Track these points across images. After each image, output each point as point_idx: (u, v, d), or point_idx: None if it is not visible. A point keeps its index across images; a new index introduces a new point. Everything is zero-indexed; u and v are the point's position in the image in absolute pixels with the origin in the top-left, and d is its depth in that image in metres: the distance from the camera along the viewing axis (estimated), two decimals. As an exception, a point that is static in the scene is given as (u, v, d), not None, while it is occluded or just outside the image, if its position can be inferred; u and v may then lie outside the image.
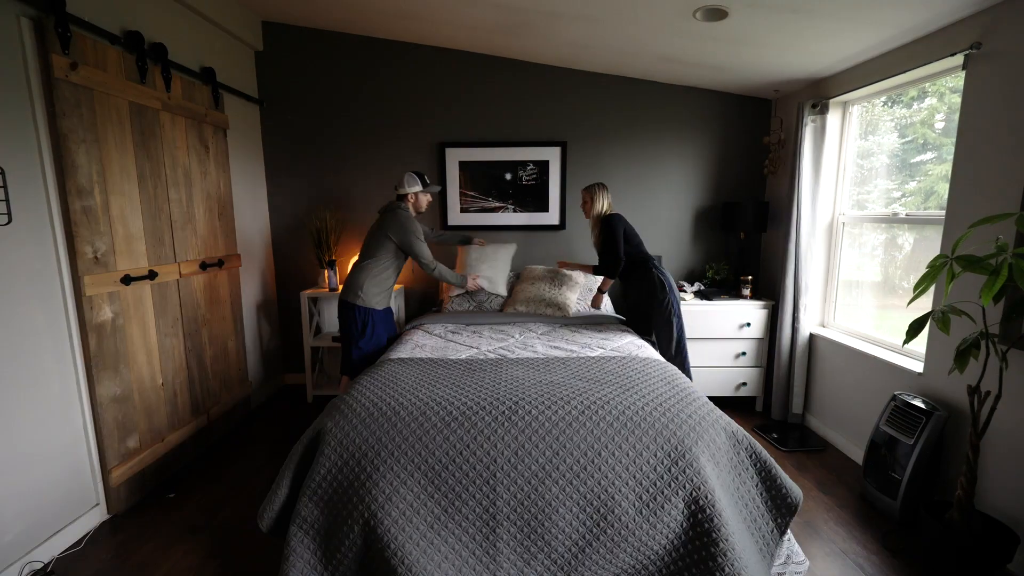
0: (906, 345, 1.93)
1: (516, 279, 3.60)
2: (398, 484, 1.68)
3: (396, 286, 3.75)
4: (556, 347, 2.61)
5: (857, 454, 2.77)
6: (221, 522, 2.26)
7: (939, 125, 2.54)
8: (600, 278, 3.49)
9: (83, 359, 2.15)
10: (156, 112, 2.52)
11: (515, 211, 3.74)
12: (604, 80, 3.59)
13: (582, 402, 1.86)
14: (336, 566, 1.65)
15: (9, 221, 1.85)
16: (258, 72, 3.61)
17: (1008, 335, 1.88)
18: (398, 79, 3.61)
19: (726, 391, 3.48)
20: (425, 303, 3.90)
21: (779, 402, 3.31)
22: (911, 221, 2.63)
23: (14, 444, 1.89)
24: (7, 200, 1.84)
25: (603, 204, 2.99)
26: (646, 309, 2.97)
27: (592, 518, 1.66)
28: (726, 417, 1.89)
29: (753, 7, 2.30)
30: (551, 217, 3.75)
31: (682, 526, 1.66)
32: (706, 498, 1.66)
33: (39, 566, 1.94)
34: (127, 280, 2.32)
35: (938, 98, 2.55)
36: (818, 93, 3.12)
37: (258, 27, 3.50)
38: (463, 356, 2.45)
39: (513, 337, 2.82)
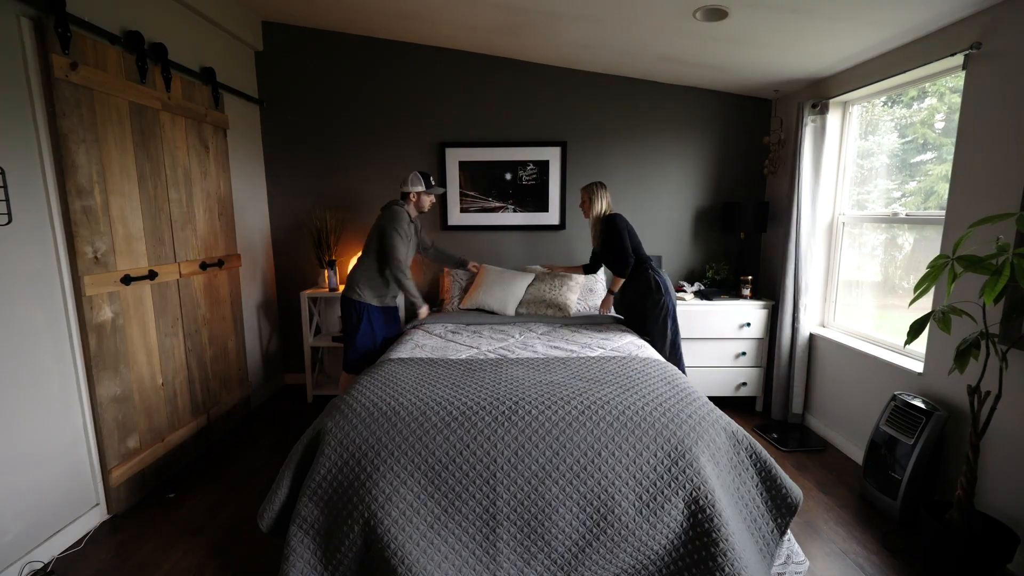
0: (907, 346, 1.93)
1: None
2: (398, 484, 1.68)
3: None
4: (556, 347, 2.61)
5: (857, 454, 2.77)
6: (221, 522, 2.26)
7: (939, 125, 2.54)
8: (587, 277, 3.50)
9: (83, 359, 2.15)
10: (156, 112, 2.52)
11: (515, 211, 3.74)
12: (604, 80, 3.59)
13: (582, 402, 1.86)
14: (336, 566, 1.65)
15: (9, 221, 1.85)
16: (258, 72, 3.61)
17: (1008, 335, 1.88)
18: (398, 79, 3.61)
19: (726, 391, 3.48)
20: (425, 303, 3.89)
21: (779, 402, 3.31)
22: (911, 221, 2.63)
23: (14, 444, 1.89)
24: (7, 200, 1.84)
25: (603, 204, 2.98)
26: (641, 310, 2.97)
27: (592, 518, 1.66)
28: (726, 417, 1.89)
29: (753, 7, 2.30)
30: (551, 217, 3.75)
31: (682, 526, 1.66)
32: (706, 498, 1.66)
33: (39, 566, 1.94)
34: (127, 280, 2.32)
35: (938, 98, 2.55)
36: (818, 93, 3.12)
37: (258, 27, 3.50)
38: (463, 356, 2.45)
39: (513, 337, 2.82)
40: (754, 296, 3.51)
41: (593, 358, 2.36)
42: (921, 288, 1.71)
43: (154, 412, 2.52)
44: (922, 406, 2.23)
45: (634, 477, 1.69)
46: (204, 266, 2.88)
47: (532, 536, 1.66)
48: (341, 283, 3.64)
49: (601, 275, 3.64)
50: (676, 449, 1.73)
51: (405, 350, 2.56)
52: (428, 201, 2.94)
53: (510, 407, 1.83)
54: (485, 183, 3.71)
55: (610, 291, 3.11)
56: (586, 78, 3.59)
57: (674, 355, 2.96)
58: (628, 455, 1.72)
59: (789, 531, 1.86)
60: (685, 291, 3.52)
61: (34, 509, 1.96)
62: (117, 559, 2.03)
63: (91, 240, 2.15)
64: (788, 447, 2.95)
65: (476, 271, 3.41)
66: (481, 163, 3.68)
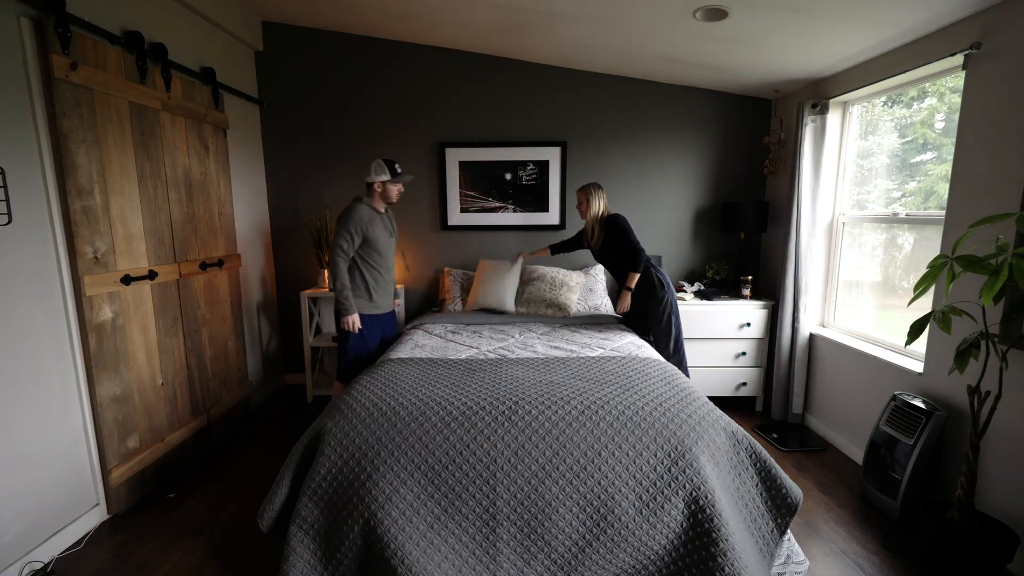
0: (907, 346, 1.93)
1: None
2: (398, 484, 1.68)
3: (398, 285, 3.75)
4: (556, 347, 2.61)
5: (857, 454, 2.77)
6: (221, 522, 2.26)
7: (939, 125, 2.54)
8: (588, 277, 3.49)
9: (83, 359, 2.15)
10: (156, 112, 2.52)
11: (515, 211, 3.74)
12: (604, 80, 3.59)
13: (582, 402, 1.86)
14: (336, 566, 1.65)
15: (9, 221, 1.85)
16: (258, 72, 3.61)
17: (1008, 335, 1.88)
18: (398, 79, 3.61)
19: (726, 391, 3.48)
20: (425, 303, 3.90)
21: (779, 402, 3.31)
22: (911, 221, 2.63)
23: (14, 444, 1.89)
24: (7, 200, 1.84)
25: (600, 205, 2.96)
26: (643, 308, 2.96)
27: (592, 518, 1.66)
28: (726, 417, 1.89)
29: (753, 7, 2.30)
30: (551, 217, 3.75)
31: (682, 526, 1.66)
32: (706, 498, 1.66)
33: (39, 566, 1.94)
34: (127, 280, 2.32)
35: (938, 98, 2.55)
36: (818, 93, 3.12)
37: (258, 27, 3.50)
38: (463, 356, 2.45)
39: (513, 337, 2.82)
40: (754, 296, 3.51)
41: (593, 358, 2.36)
42: (920, 288, 1.71)
43: (154, 412, 2.52)
44: (922, 406, 2.23)
45: (634, 477, 1.69)
46: (204, 266, 2.88)
47: (532, 536, 1.66)
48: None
49: (601, 275, 3.64)
50: (676, 449, 1.73)
51: (405, 350, 2.56)
52: (395, 190, 2.68)
53: (510, 407, 1.83)
54: (485, 183, 3.71)
55: (627, 288, 2.96)
56: (586, 78, 3.59)
57: (677, 353, 2.96)
58: (628, 455, 1.72)
59: (789, 531, 1.86)
60: (685, 291, 3.52)
61: (34, 509, 1.96)
62: (117, 559, 2.03)
63: (91, 240, 2.15)
64: (788, 447, 2.95)
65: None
66: (481, 163, 3.68)
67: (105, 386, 2.22)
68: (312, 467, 1.76)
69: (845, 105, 3.07)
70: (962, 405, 2.15)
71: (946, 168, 2.37)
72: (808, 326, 3.19)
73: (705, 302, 3.39)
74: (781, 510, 1.81)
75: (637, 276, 2.94)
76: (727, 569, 1.57)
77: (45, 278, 2.01)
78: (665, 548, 1.66)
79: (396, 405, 1.87)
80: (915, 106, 2.68)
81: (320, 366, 3.92)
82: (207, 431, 2.93)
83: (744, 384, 3.47)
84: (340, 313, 2.61)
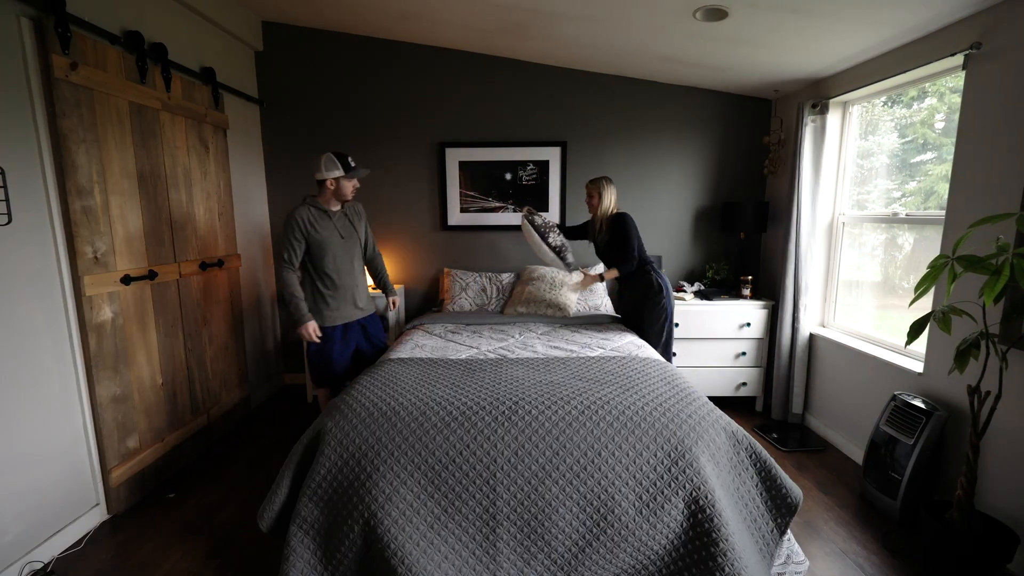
0: (908, 346, 1.93)
1: (516, 280, 3.60)
2: (398, 484, 1.68)
3: (395, 285, 3.75)
4: (556, 347, 2.61)
5: (857, 454, 2.77)
6: (221, 522, 2.26)
7: (939, 125, 2.54)
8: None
9: (83, 359, 2.15)
10: (156, 112, 2.52)
11: (515, 211, 3.74)
12: (604, 80, 3.59)
13: (582, 402, 1.85)
14: (336, 566, 1.65)
15: (9, 221, 1.85)
16: (258, 72, 3.61)
17: (1008, 335, 1.88)
18: (398, 79, 3.61)
19: (726, 391, 3.48)
20: (425, 303, 3.90)
21: (779, 402, 3.31)
22: (911, 221, 2.63)
23: (14, 444, 1.89)
24: (7, 200, 1.84)
25: (611, 200, 2.90)
26: (640, 309, 2.96)
27: (592, 518, 1.66)
28: (726, 417, 1.89)
29: (753, 7, 2.30)
30: (551, 217, 3.75)
31: (682, 526, 1.66)
32: (706, 498, 1.66)
33: (39, 566, 1.94)
34: (127, 280, 2.32)
35: (938, 98, 2.55)
36: (818, 93, 3.12)
37: (258, 27, 3.50)
38: (463, 356, 2.45)
39: (513, 337, 2.82)
40: (754, 296, 3.51)
41: (593, 358, 2.36)
42: (921, 288, 1.71)
43: (154, 412, 2.52)
44: (922, 406, 2.23)
45: (634, 477, 1.69)
46: (204, 266, 2.88)
47: (532, 536, 1.66)
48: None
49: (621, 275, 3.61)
50: (676, 449, 1.73)
51: (405, 350, 2.56)
52: (350, 186, 2.45)
53: (510, 407, 1.83)
54: (485, 183, 3.71)
55: (602, 276, 2.97)
56: (586, 78, 3.59)
57: (665, 357, 2.95)
58: (628, 455, 1.72)
59: (789, 531, 1.86)
60: (685, 291, 3.52)
61: (34, 509, 1.96)
62: (117, 559, 2.03)
63: (91, 240, 2.15)
64: (788, 447, 2.95)
65: (394, 307, 2.92)
66: (481, 163, 3.68)
67: (105, 386, 2.22)
68: (312, 467, 1.76)
69: (845, 105, 3.07)
70: (962, 405, 2.15)
71: (946, 168, 2.37)
72: (808, 326, 3.19)
73: (705, 302, 3.39)
74: (781, 510, 1.81)
75: (616, 273, 2.92)
76: (727, 569, 1.57)
77: (45, 278, 2.00)
78: (665, 548, 1.66)
79: (396, 405, 1.87)
80: (915, 106, 2.68)
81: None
82: (207, 431, 2.93)
83: (744, 384, 3.47)
84: (294, 325, 2.47)
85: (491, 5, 2.73)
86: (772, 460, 1.84)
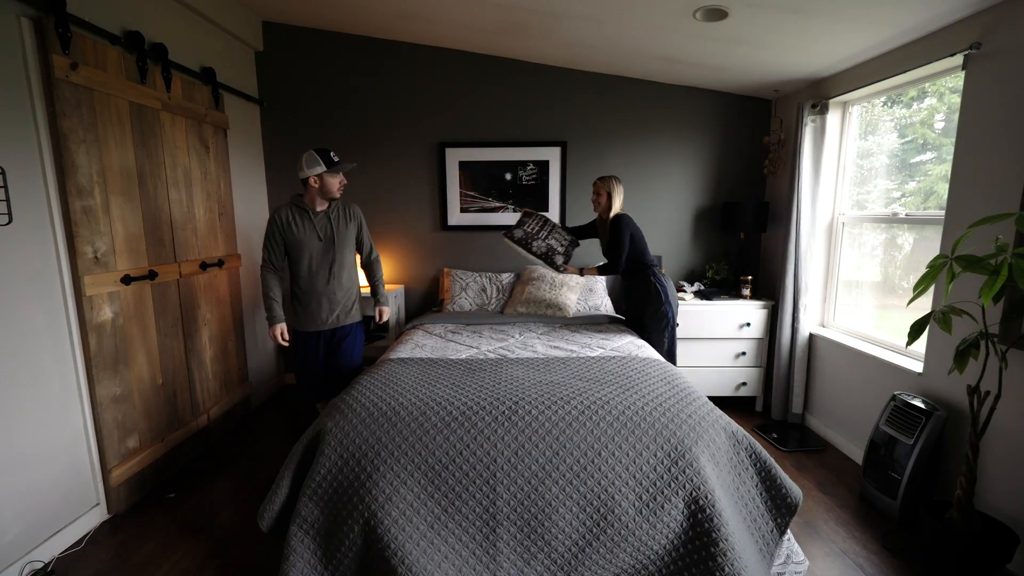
0: (908, 347, 1.93)
1: (516, 280, 3.60)
2: (398, 484, 1.68)
3: (395, 285, 3.75)
4: (556, 347, 2.61)
5: (857, 454, 2.77)
6: (221, 522, 2.26)
7: (939, 125, 2.54)
8: (587, 277, 3.50)
9: (83, 359, 2.16)
10: (156, 112, 2.53)
11: (515, 211, 3.74)
12: (604, 80, 3.59)
13: (582, 402, 1.86)
14: (336, 566, 1.66)
15: (9, 221, 1.85)
16: (258, 72, 3.61)
17: (1008, 335, 1.88)
18: (398, 79, 3.61)
19: (726, 391, 3.48)
20: (425, 303, 3.90)
21: (779, 402, 3.31)
22: (911, 221, 2.63)
23: (14, 444, 1.89)
24: (7, 200, 1.84)
25: (619, 201, 2.85)
26: (641, 315, 2.96)
27: (592, 518, 1.66)
28: (726, 417, 1.89)
29: (753, 7, 2.30)
30: (551, 217, 3.74)
31: (682, 526, 1.66)
32: (706, 498, 1.66)
33: (39, 566, 1.94)
34: (127, 280, 2.32)
35: (938, 98, 2.55)
36: (818, 93, 3.12)
37: (258, 27, 3.50)
38: (463, 356, 2.45)
39: (513, 337, 2.82)
40: (754, 296, 3.51)
41: (593, 358, 2.36)
42: (920, 288, 1.71)
43: (154, 412, 2.52)
44: (922, 406, 2.23)
45: (634, 477, 1.70)
46: (204, 266, 2.88)
47: (532, 536, 1.66)
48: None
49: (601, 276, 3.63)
50: (676, 449, 1.73)
51: (405, 350, 2.56)
52: (336, 183, 2.35)
53: (510, 407, 1.83)
54: (485, 183, 3.71)
55: (582, 271, 2.97)
56: (586, 78, 3.59)
57: (670, 362, 2.95)
58: (628, 455, 1.72)
59: (789, 531, 1.86)
60: (685, 291, 3.52)
61: (34, 509, 1.96)
62: (117, 559, 2.03)
63: (91, 240, 2.15)
64: (788, 447, 2.95)
65: (381, 320, 2.74)
66: (481, 163, 3.68)
67: (105, 386, 2.23)
68: (312, 467, 1.76)
69: (845, 105, 3.07)
70: (962, 405, 2.15)
71: (946, 168, 2.37)
72: (808, 326, 3.19)
73: (705, 302, 3.39)
74: (781, 510, 1.81)
75: (596, 272, 2.93)
76: (727, 569, 1.57)
77: (45, 278, 2.01)
78: (665, 548, 1.66)
79: (396, 405, 1.87)
80: (915, 106, 2.68)
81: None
82: (207, 431, 2.93)
83: (744, 384, 3.47)
84: (268, 319, 2.45)
85: (491, 5, 2.73)
86: (772, 460, 1.84)
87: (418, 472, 1.71)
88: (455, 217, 3.77)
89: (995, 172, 2.03)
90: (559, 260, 2.97)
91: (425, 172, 3.72)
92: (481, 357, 2.43)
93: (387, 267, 3.84)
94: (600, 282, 3.61)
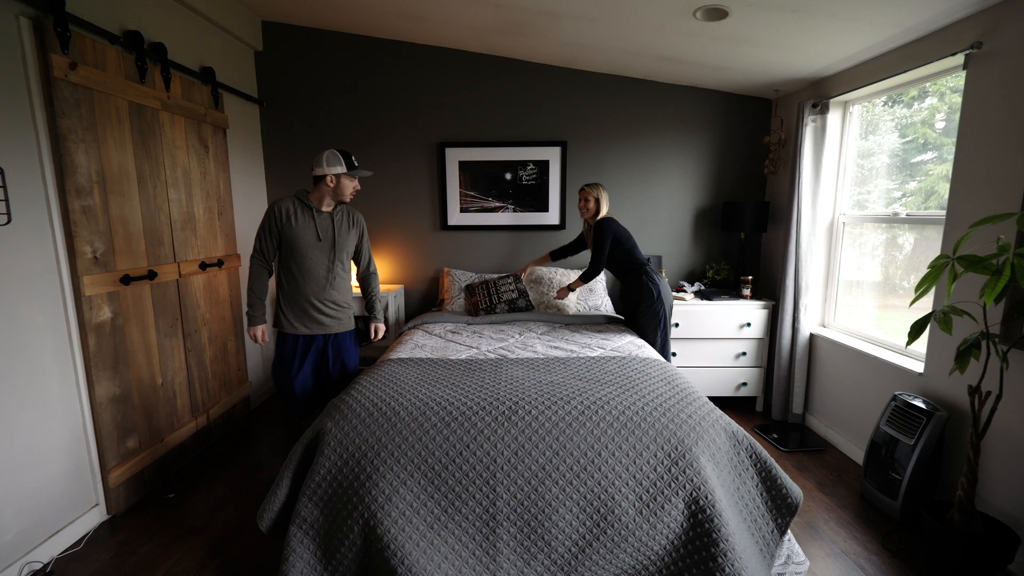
0: (908, 347, 1.93)
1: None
2: (398, 484, 1.68)
3: (395, 285, 3.75)
4: (556, 347, 2.61)
5: (857, 454, 2.77)
6: (221, 522, 2.25)
7: (939, 125, 2.53)
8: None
9: (82, 359, 2.15)
10: (156, 112, 2.52)
11: (515, 211, 3.74)
12: (604, 80, 3.59)
13: (582, 402, 1.85)
14: (336, 566, 1.65)
15: (9, 221, 1.85)
16: (258, 72, 3.61)
17: (1009, 335, 1.87)
18: (398, 79, 3.61)
19: (726, 391, 3.48)
20: (425, 303, 3.90)
21: (779, 402, 3.30)
22: (911, 221, 2.63)
23: (13, 444, 1.89)
24: (7, 200, 1.83)
25: (606, 207, 2.99)
26: (634, 313, 3.00)
27: (592, 518, 1.66)
28: (726, 417, 1.89)
29: (753, 6, 2.30)
30: (551, 217, 3.75)
31: (682, 526, 1.66)
32: (706, 498, 1.66)
33: (39, 566, 1.94)
34: (126, 280, 2.32)
35: (939, 98, 2.54)
36: (818, 93, 3.12)
37: (258, 27, 3.50)
38: (463, 356, 2.45)
39: (513, 337, 2.82)
40: (754, 296, 3.51)
41: (593, 358, 2.36)
42: (922, 288, 1.71)
43: (153, 412, 2.52)
44: (923, 406, 2.23)
45: (634, 477, 1.69)
46: (204, 266, 2.88)
47: (532, 536, 1.66)
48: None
49: (601, 275, 3.63)
50: (676, 449, 1.73)
51: (405, 350, 2.55)
52: (351, 186, 2.30)
53: (510, 407, 1.83)
54: (485, 183, 3.71)
55: (570, 287, 3.09)
56: (586, 78, 3.58)
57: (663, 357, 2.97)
58: (628, 455, 1.72)
59: (789, 531, 1.86)
60: (685, 291, 3.52)
61: (33, 509, 1.96)
62: (117, 559, 2.02)
63: (90, 240, 2.14)
64: (788, 447, 2.95)
65: (375, 340, 2.65)
66: (481, 163, 3.68)
67: (104, 386, 2.22)
68: (312, 467, 1.76)
69: (845, 105, 3.06)
70: (963, 405, 2.15)
71: (947, 168, 2.37)
72: (808, 326, 3.19)
73: (705, 302, 3.39)
74: (781, 510, 1.81)
75: (580, 283, 3.04)
76: (727, 569, 1.57)
77: (45, 278, 2.00)
78: (665, 548, 1.65)
79: (396, 405, 1.87)
80: (915, 106, 2.68)
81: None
82: (207, 431, 2.93)
83: (744, 384, 3.47)
84: (248, 314, 2.36)
85: (491, 5, 2.73)
86: (772, 460, 1.84)
87: (418, 472, 1.71)
88: (455, 217, 3.76)
89: (996, 172, 2.02)
90: (522, 303, 3.26)
91: (425, 172, 3.72)
92: (481, 357, 2.42)
93: (387, 267, 3.84)
94: (600, 282, 3.60)
